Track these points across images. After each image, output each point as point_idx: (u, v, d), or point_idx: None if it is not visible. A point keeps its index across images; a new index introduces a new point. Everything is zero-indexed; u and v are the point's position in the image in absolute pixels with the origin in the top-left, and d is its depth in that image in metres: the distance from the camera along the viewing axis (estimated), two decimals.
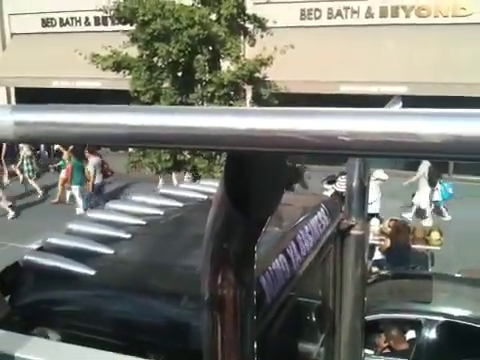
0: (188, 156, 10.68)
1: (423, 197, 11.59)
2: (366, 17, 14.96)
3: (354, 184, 3.44)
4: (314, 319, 3.29)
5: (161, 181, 12.69)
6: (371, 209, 8.94)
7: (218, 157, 10.69)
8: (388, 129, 0.76)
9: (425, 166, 11.37)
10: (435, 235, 9.53)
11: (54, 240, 2.62)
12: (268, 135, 0.83)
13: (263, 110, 0.89)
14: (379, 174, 10.08)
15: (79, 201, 12.88)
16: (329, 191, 10.11)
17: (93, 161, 12.70)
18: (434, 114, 0.76)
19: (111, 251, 2.47)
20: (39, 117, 0.97)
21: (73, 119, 0.94)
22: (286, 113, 0.84)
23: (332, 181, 11.10)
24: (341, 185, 9.08)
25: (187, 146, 0.98)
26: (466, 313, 5.69)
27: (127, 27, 11.16)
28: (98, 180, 12.79)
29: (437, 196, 11.60)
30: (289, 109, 0.84)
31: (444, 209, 11.97)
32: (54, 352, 1.13)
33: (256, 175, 1.26)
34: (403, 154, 0.79)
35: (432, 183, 11.41)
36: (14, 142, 1.06)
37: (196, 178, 10.41)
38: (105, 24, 16.70)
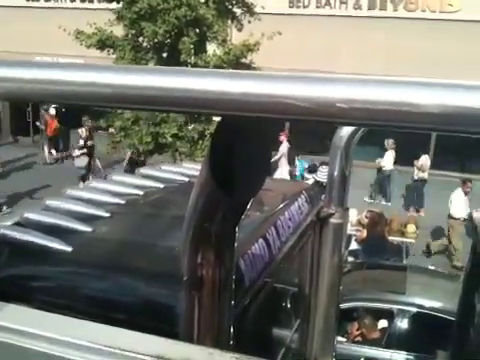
0: (170, 139, 10.61)
1: (284, 173, 13.23)
2: (354, 8, 14.95)
3: (336, 173, 3.45)
4: (290, 305, 3.32)
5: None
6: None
7: (200, 142, 10.65)
8: (387, 98, 0.73)
9: (285, 147, 13.13)
10: (411, 227, 9.68)
11: (31, 216, 2.59)
12: (264, 100, 0.80)
13: (260, 74, 0.86)
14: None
15: None
16: (310, 180, 10.15)
17: None
18: (435, 84, 0.74)
19: (89, 229, 2.45)
20: (24, 73, 0.91)
21: (57, 76, 0.89)
22: (283, 78, 0.82)
23: (313, 170, 11.16)
24: (322, 174, 9.12)
25: (179, 109, 0.94)
26: (438, 305, 5.79)
27: (113, 5, 11.00)
28: None
29: (297, 171, 13.22)
30: (287, 74, 0.82)
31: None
32: (35, 320, 1.11)
33: (241, 156, 1.25)
34: (401, 124, 0.76)
35: (290, 161, 13.36)
36: None
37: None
38: (91, 1, 16.45)
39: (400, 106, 0.73)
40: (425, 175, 12.58)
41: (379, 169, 13.06)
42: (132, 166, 11.21)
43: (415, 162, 12.56)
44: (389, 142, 12.79)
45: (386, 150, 12.82)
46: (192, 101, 0.84)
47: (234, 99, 0.81)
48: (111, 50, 11.01)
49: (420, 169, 12.56)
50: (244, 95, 0.81)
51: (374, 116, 0.75)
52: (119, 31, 11.04)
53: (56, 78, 0.89)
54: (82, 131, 13.82)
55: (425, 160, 12.79)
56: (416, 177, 12.59)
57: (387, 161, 12.88)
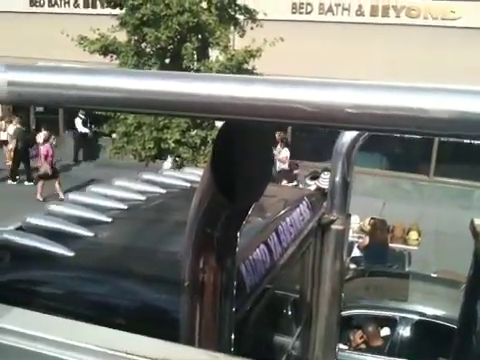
0: (172, 145, 10.62)
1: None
2: (357, 15, 14.98)
3: (337, 180, 3.45)
4: (291, 311, 3.31)
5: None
6: None
7: (203, 147, 10.66)
8: (396, 103, 0.73)
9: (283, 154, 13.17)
10: (413, 235, 9.64)
11: (34, 220, 2.59)
12: (272, 105, 0.80)
13: (268, 79, 0.85)
14: None
15: None
16: (312, 187, 10.13)
17: None
18: (443, 90, 0.74)
19: (91, 234, 2.45)
20: (35, 77, 0.90)
21: (71, 81, 0.88)
22: (292, 83, 0.81)
23: (315, 177, 11.14)
24: (324, 181, 9.11)
25: (187, 113, 0.93)
26: (440, 312, 5.76)
27: (116, 11, 11.04)
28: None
29: None
30: (295, 79, 0.81)
31: None
32: (36, 322, 1.11)
33: (243, 162, 1.25)
34: (410, 130, 0.76)
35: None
36: (5, 103, 0.97)
37: (180, 167, 10.37)
38: (94, 7, 16.48)
39: (409, 111, 0.72)
40: (285, 166, 12.85)
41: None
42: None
43: (275, 153, 12.68)
44: (281, 134, 12.94)
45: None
46: (200, 106, 0.84)
47: (242, 104, 0.81)
48: (114, 56, 11.04)
49: (281, 161, 12.87)
50: (252, 100, 0.80)
51: (383, 121, 0.75)
52: (122, 37, 11.07)
53: (68, 82, 0.89)
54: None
55: (285, 152, 13.11)
56: (278, 169, 12.72)
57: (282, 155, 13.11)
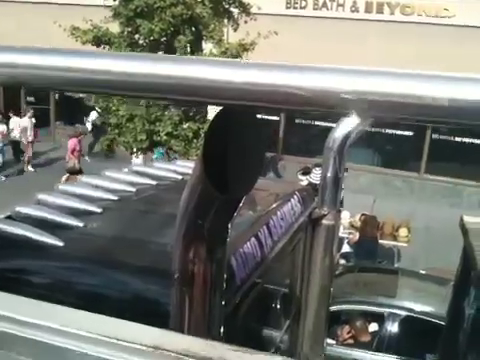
0: (164, 137, 10.59)
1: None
2: (351, 11, 14.98)
3: (329, 175, 3.45)
4: (280, 304, 3.32)
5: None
6: None
7: (195, 140, 10.63)
8: (394, 90, 0.72)
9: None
10: (403, 231, 9.69)
11: (23, 210, 2.57)
12: (267, 89, 0.78)
13: (263, 64, 0.84)
14: None
15: None
16: (303, 182, 10.16)
17: None
18: (442, 77, 0.73)
19: (80, 224, 2.44)
20: (27, 59, 0.88)
21: (65, 63, 0.87)
22: (287, 68, 0.80)
23: (307, 172, 11.17)
24: (315, 177, 9.13)
25: (182, 97, 0.91)
26: (428, 309, 5.80)
27: (110, 2, 10.96)
28: None
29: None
30: (290, 64, 0.80)
31: None
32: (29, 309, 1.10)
33: (235, 153, 1.25)
34: (407, 117, 0.75)
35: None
36: None
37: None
38: None
39: (406, 98, 0.71)
40: None
41: None
42: None
43: None
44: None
45: None
46: (195, 90, 0.82)
47: (237, 88, 0.80)
48: (107, 47, 10.97)
49: None
50: (247, 84, 0.79)
51: (378, 108, 0.74)
52: (115, 28, 11.00)
53: (61, 64, 0.87)
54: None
55: None
56: None
57: None
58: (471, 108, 0.70)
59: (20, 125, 13.92)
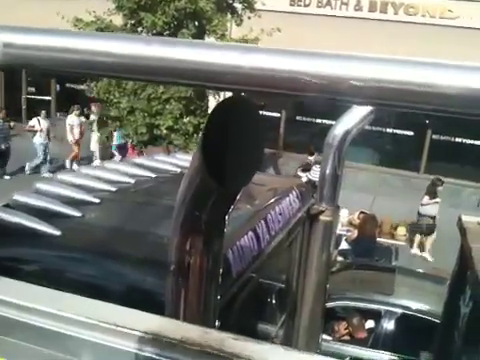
0: (165, 131, 10.58)
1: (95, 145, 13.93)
2: (355, 10, 14.95)
3: (328, 172, 3.46)
4: (276, 299, 3.32)
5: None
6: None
7: (195, 135, 10.62)
8: (402, 78, 0.71)
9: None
10: (401, 230, 9.71)
11: (21, 198, 2.57)
12: (275, 75, 0.77)
13: (272, 49, 0.83)
14: None
15: None
16: (303, 179, 10.18)
17: None
18: (451, 66, 0.72)
19: (78, 213, 2.44)
20: (31, 40, 0.86)
21: (70, 44, 0.85)
22: (296, 54, 0.79)
23: (306, 169, 11.19)
24: (315, 174, 9.14)
25: (190, 82, 0.90)
26: (424, 307, 5.82)
27: None
28: None
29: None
30: (299, 50, 0.79)
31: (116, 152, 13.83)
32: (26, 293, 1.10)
33: (234, 145, 1.25)
34: (414, 105, 0.73)
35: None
36: (1, 66, 0.90)
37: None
38: None
39: (414, 86, 0.70)
40: None
41: None
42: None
43: None
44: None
45: None
46: (203, 74, 0.81)
47: (245, 73, 0.79)
48: None
49: None
50: (256, 69, 0.78)
51: (386, 95, 0.72)
52: (118, 21, 10.98)
53: (66, 46, 0.86)
54: None
55: None
56: None
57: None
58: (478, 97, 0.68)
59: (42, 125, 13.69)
